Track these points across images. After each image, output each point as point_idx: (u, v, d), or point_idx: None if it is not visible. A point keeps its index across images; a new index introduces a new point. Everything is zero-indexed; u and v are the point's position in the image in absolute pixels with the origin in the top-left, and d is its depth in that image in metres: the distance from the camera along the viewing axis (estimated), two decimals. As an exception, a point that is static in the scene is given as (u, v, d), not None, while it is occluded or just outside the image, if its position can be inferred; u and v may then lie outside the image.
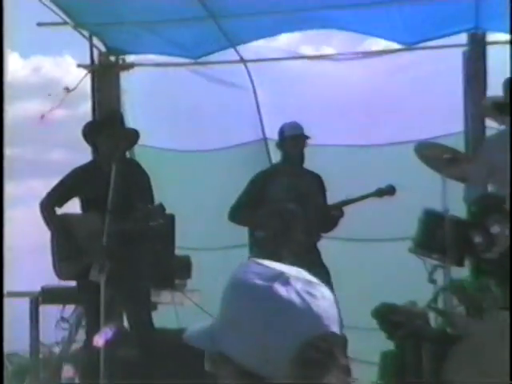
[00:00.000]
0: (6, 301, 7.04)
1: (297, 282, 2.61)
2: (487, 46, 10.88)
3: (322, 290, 2.65)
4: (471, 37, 10.82)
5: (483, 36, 10.83)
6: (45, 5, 9.07)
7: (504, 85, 8.50)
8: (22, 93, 19.73)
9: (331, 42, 11.39)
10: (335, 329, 2.60)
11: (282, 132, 9.54)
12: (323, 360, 2.56)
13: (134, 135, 8.81)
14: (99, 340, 3.55)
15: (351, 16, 10.28)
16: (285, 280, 2.59)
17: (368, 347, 9.40)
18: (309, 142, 9.52)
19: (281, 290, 2.58)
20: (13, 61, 15.45)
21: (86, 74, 10.56)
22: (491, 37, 10.92)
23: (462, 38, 10.93)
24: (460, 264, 9.21)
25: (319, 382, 2.57)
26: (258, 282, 2.60)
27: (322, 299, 2.64)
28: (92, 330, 8.01)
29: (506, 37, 10.67)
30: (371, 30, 10.66)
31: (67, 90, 9.88)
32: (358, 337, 9.15)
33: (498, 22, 10.47)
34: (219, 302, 3.19)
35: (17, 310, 8.82)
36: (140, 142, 9.03)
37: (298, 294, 2.57)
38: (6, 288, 6.64)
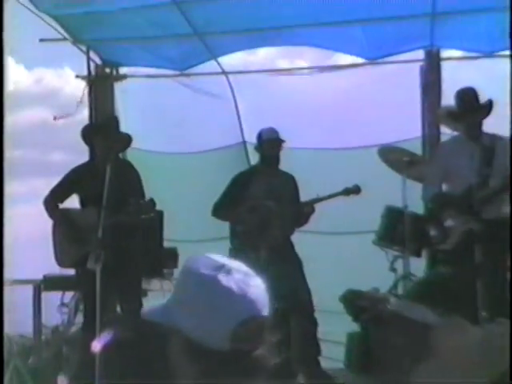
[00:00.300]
0: (12, 288, 7.02)
1: (236, 272, 2.93)
2: (441, 62, 10.91)
3: (257, 281, 2.98)
4: (427, 53, 10.92)
5: (438, 52, 10.92)
6: (46, 22, 9.13)
7: (456, 96, 8.56)
8: (26, 101, 19.77)
9: (304, 56, 11.48)
10: (265, 313, 2.92)
11: (259, 136, 9.58)
12: (254, 338, 2.89)
13: (127, 139, 8.85)
14: (97, 345, 3.63)
15: (321, 34, 10.33)
16: (226, 271, 2.91)
17: (336, 329, 9.30)
18: (284, 145, 9.53)
19: (222, 278, 2.91)
20: (18, 73, 15.49)
21: (85, 86, 10.59)
22: (445, 53, 10.98)
23: (420, 54, 10.97)
24: (418, 255, 9.53)
25: (251, 356, 2.89)
26: (205, 271, 2.90)
27: (256, 288, 2.96)
28: (89, 313, 8.08)
29: (457, 53, 11.06)
30: (339, 46, 10.73)
31: (79, 102, 9.95)
32: (327, 320, 9.29)
33: (450, 41, 10.80)
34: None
35: (21, 296, 8.81)
36: (132, 144, 9.05)
37: (236, 282, 2.91)
38: (12, 276, 6.70)
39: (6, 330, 3.74)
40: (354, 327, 8.82)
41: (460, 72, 10.61)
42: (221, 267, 2.98)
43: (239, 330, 2.90)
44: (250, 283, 2.98)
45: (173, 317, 2.92)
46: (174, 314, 2.93)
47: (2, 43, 4.79)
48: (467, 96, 8.42)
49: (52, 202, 8.60)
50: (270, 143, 9.46)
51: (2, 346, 2.99)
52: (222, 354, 2.88)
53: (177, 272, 9.29)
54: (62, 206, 8.69)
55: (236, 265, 2.99)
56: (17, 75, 15.75)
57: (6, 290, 7.39)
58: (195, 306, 2.91)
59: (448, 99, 9.27)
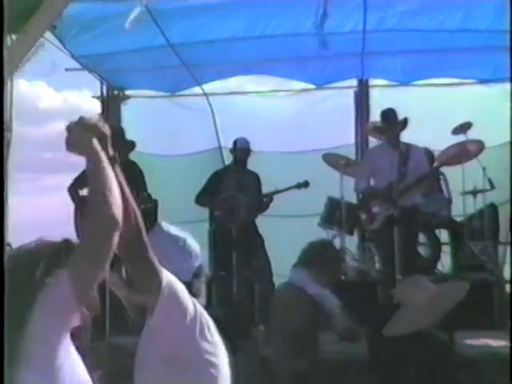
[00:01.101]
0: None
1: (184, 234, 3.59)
2: (369, 88, 11.14)
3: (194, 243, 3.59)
4: (359, 81, 11.13)
5: (367, 81, 11.14)
6: (71, 57, 9.15)
7: (380, 114, 8.61)
8: (55, 115, 19.97)
9: (267, 82, 11.46)
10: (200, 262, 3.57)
11: (235, 144, 9.61)
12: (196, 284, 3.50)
13: (131, 144, 8.97)
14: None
15: (280, 66, 10.46)
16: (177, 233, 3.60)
17: None
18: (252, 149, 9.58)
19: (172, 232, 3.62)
20: (49, 94, 15.66)
21: (104, 105, 10.71)
22: (373, 82, 11.18)
23: (354, 82, 11.14)
24: (351, 233, 9.71)
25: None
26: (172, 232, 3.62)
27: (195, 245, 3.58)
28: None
29: (382, 82, 11.17)
30: (294, 75, 10.82)
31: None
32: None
33: (376, 72, 10.91)
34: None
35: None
36: (136, 148, 9.21)
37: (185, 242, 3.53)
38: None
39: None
40: None
41: (384, 96, 10.69)
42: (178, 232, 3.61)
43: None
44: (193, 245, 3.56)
45: None
46: None
47: (2, 44, 4.53)
48: (388, 115, 8.46)
49: (73, 189, 8.65)
50: (241, 150, 9.54)
51: (2, 346, 2.49)
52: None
53: None
54: (81, 192, 8.58)
55: (184, 232, 3.61)
56: (48, 96, 15.90)
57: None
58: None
59: (374, 117, 9.44)
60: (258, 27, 9.06)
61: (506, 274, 9.26)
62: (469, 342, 6.98)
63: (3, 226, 2.50)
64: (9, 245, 6.10)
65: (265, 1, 8.23)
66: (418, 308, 5.96)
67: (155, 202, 8.73)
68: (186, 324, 3.12)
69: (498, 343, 6.94)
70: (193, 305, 3.17)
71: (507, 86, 10.68)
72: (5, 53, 5.78)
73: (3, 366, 2.52)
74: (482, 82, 10.87)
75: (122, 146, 8.57)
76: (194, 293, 3.38)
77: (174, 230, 3.66)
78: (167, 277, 3.07)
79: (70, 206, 8.69)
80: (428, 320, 5.90)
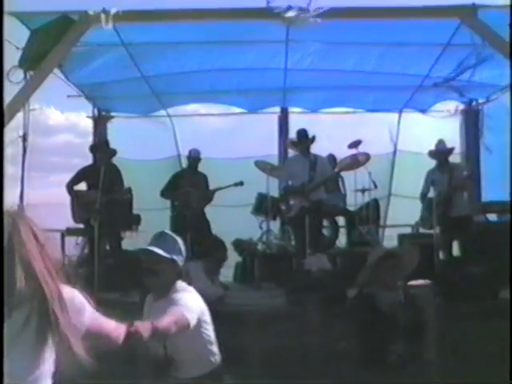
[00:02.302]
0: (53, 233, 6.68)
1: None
2: (288, 114, 11.11)
3: (182, 243, 3.80)
4: (281, 108, 11.11)
5: (287, 108, 11.11)
6: (70, 87, 9.09)
7: (296, 132, 8.67)
8: (59, 130, 19.75)
9: (213, 107, 11.35)
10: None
11: (190, 153, 9.54)
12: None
13: (113, 151, 8.76)
14: None
15: (225, 95, 10.37)
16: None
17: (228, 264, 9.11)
18: (201, 157, 9.53)
19: (176, 240, 3.81)
20: (56, 114, 15.55)
21: (95, 122, 10.61)
22: (291, 109, 11.14)
23: (277, 109, 11.14)
24: (274, 219, 9.66)
25: None
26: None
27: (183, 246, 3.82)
28: (91, 248, 7.95)
29: (298, 109, 11.09)
30: (233, 102, 10.75)
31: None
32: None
33: (294, 102, 10.89)
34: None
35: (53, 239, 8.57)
36: (117, 155, 8.95)
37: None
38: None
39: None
40: (238, 259, 9.00)
41: (299, 120, 10.61)
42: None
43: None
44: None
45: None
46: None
47: (1, 46, 4.47)
48: (301, 133, 8.54)
49: (70, 185, 8.45)
50: (194, 157, 9.52)
51: (2, 345, 2.14)
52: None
53: (140, 228, 9.22)
54: (75, 188, 8.50)
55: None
56: (55, 116, 15.83)
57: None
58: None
59: (292, 134, 9.48)
60: (210, 64, 8.97)
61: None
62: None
63: (3, 226, 2.22)
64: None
65: (215, 44, 8.14)
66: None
67: (131, 194, 8.59)
68: None
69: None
70: None
71: (385, 114, 11.13)
72: (23, 84, 5.99)
73: (3, 366, 2.21)
74: (369, 111, 10.98)
75: (106, 152, 8.55)
76: (182, 274, 3.79)
77: (176, 236, 3.88)
78: None
79: (68, 198, 8.56)
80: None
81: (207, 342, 3.83)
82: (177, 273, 3.76)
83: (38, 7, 6.12)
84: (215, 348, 3.89)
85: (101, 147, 8.73)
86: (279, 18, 5.74)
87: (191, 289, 3.80)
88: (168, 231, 3.93)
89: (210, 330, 3.85)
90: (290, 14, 5.69)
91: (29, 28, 6.22)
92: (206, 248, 8.69)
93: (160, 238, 3.84)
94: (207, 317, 3.82)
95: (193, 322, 3.46)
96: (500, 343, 5.48)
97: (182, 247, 3.81)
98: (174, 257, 3.73)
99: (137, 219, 9.29)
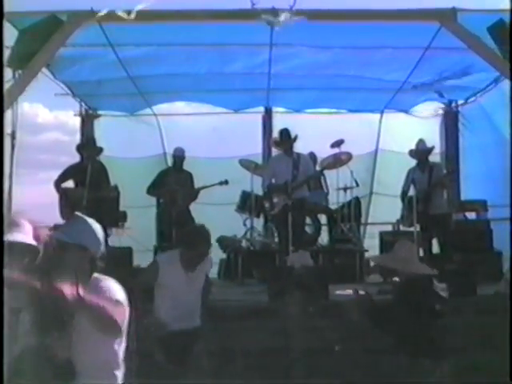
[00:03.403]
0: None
1: (92, 222, 3.10)
2: (272, 114, 11.13)
3: (98, 227, 3.12)
4: (265, 109, 11.13)
5: (271, 108, 11.11)
6: (59, 85, 9.12)
7: (279, 132, 8.68)
8: (48, 128, 19.77)
9: (199, 107, 11.16)
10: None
11: (174, 151, 9.55)
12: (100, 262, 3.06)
13: (99, 149, 8.78)
14: None
15: (210, 95, 10.41)
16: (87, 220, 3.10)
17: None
18: (186, 156, 9.51)
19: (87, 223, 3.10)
20: (44, 112, 15.55)
21: (83, 121, 10.64)
22: (275, 109, 11.17)
23: (261, 108, 11.14)
24: (258, 217, 9.63)
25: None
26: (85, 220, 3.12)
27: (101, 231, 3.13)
28: None
29: (282, 109, 11.10)
30: (218, 103, 10.73)
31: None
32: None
33: (277, 102, 10.95)
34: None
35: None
36: (103, 153, 8.98)
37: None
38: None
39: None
40: (223, 256, 9.07)
41: (282, 119, 10.61)
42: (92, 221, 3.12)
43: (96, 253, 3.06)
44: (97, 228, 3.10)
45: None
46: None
47: (1, 50, 4.43)
48: (284, 133, 8.56)
49: (58, 182, 8.43)
50: (179, 156, 9.50)
51: (1, 346, 2.19)
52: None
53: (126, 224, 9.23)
54: (63, 185, 8.47)
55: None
56: (43, 114, 15.80)
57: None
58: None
59: (275, 134, 9.37)
60: (196, 66, 8.99)
61: (364, 245, 9.46)
62: (339, 292, 6.94)
63: (3, 226, 2.20)
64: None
65: (200, 45, 8.17)
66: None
67: (118, 192, 8.58)
68: None
69: (359, 292, 7.00)
70: None
71: (368, 115, 11.21)
72: (12, 82, 5.99)
73: (3, 366, 2.21)
74: (351, 111, 11.05)
75: (93, 150, 8.57)
76: (98, 263, 3.13)
77: (88, 219, 3.22)
78: None
79: (56, 195, 8.54)
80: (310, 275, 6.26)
81: (116, 353, 3.12)
82: (89, 261, 3.08)
83: (26, 7, 6.13)
84: (121, 361, 3.16)
85: (87, 145, 8.72)
86: (264, 19, 5.76)
87: (111, 283, 3.14)
88: (80, 214, 3.28)
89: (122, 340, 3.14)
90: (275, 15, 5.72)
91: (16, 28, 6.22)
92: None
93: (68, 223, 3.32)
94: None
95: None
96: (480, 338, 5.83)
97: (98, 233, 3.17)
98: (84, 243, 3.07)
99: (123, 216, 9.25)
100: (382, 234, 9.25)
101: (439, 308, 4.42)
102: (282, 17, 5.75)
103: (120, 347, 3.07)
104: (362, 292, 4.80)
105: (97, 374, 2.96)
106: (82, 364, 2.92)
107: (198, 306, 5.19)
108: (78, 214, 3.24)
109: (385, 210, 10.46)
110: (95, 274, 3.07)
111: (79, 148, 8.86)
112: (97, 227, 3.15)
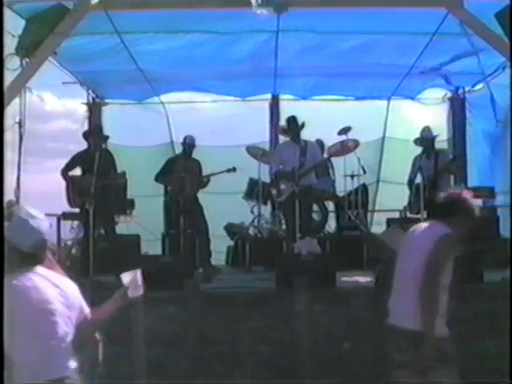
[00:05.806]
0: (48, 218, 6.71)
1: (25, 213, 2.98)
2: (279, 102, 10.99)
3: (40, 217, 3.01)
4: (272, 95, 11.04)
5: (278, 95, 11.04)
6: (66, 74, 9.15)
7: (286, 119, 8.58)
8: (56, 116, 19.80)
9: (205, 96, 11.16)
10: (47, 237, 3.02)
11: (185, 139, 9.27)
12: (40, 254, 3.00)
13: (106, 137, 8.78)
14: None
15: (216, 83, 10.37)
16: (22, 213, 2.99)
17: (220, 246, 9.50)
18: (196, 144, 9.28)
19: (20, 218, 2.99)
20: (53, 100, 15.51)
21: (90, 109, 10.59)
22: (282, 96, 11.03)
23: (269, 96, 11.04)
24: (265, 204, 9.64)
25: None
26: (18, 213, 3.01)
27: (40, 221, 2.99)
28: (86, 232, 7.89)
29: (289, 97, 11.01)
30: (227, 92, 10.72)
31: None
32: (217, 242, 9.26)
33: (285, 89, 10.83)
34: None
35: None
36: (109, 140, 9.05)
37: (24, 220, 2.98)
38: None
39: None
40: (230, 243, 9.17)
41: (289, 107, 10.51)
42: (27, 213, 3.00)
43: (35, 247, 2.96)
44: (36, 217, 3.00)
45: None
46: None
47: (1, 50, 4.44)
48: (291, 120, 8.45)
49: (65, 170, 8.28)
50: (189, 144, 9.28)
51: (2, 347, 2.18)
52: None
53: (134, 212, 9.20)
54: (70, 173, 8.32)
55: (29, 210, 3.00)
56: (51, 102, 15.74)
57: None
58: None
59: (282, 121, 9.32)
60: (203, 54, 8.96)
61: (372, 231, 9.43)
62: (345, 278, 6.97)
63: (3, 229, 2.19)
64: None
65: (206, 35, 8.15)
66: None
67: (125, 179, 8.49)
68: None
69: (365, 279, 6.96)
70: None
71: (375, 102, 11.14)
72: (19, 70, 5.98)
73: (3, 366, 2.19)
74: (358, 99, 11.00)
75: (99, 138, 8.51)
76: (37, 259, 3.05)
77: (30, 210, 3.09)
78: None
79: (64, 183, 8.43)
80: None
81: (58, 340, 3.02)
82: (20, 257, 2.99)
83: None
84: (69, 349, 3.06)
85: (94, 133, 8.66)
86: (269, 6, 5.71)
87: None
88: (16, 207, 3.20)
89: (61, 325, 3.05)
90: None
91: (22, 17, 6.19)
92: (198, 232, 8.70)
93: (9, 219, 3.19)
94: (54, 305, 3.06)
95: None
96: (487, 325, 5.84)
97: (41, 225, 3.05)
98: (16, 238, 2.98)
99: (131, 204, 9.24)
100: (390, 221, 9.21)
101: None
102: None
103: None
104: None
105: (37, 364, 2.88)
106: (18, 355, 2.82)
107: None
108: (15, 207, 3.20)
109: (392, 197, 10.41)
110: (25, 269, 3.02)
111: (85, 135, 8.76)
112: (40, 221, 3.06)
